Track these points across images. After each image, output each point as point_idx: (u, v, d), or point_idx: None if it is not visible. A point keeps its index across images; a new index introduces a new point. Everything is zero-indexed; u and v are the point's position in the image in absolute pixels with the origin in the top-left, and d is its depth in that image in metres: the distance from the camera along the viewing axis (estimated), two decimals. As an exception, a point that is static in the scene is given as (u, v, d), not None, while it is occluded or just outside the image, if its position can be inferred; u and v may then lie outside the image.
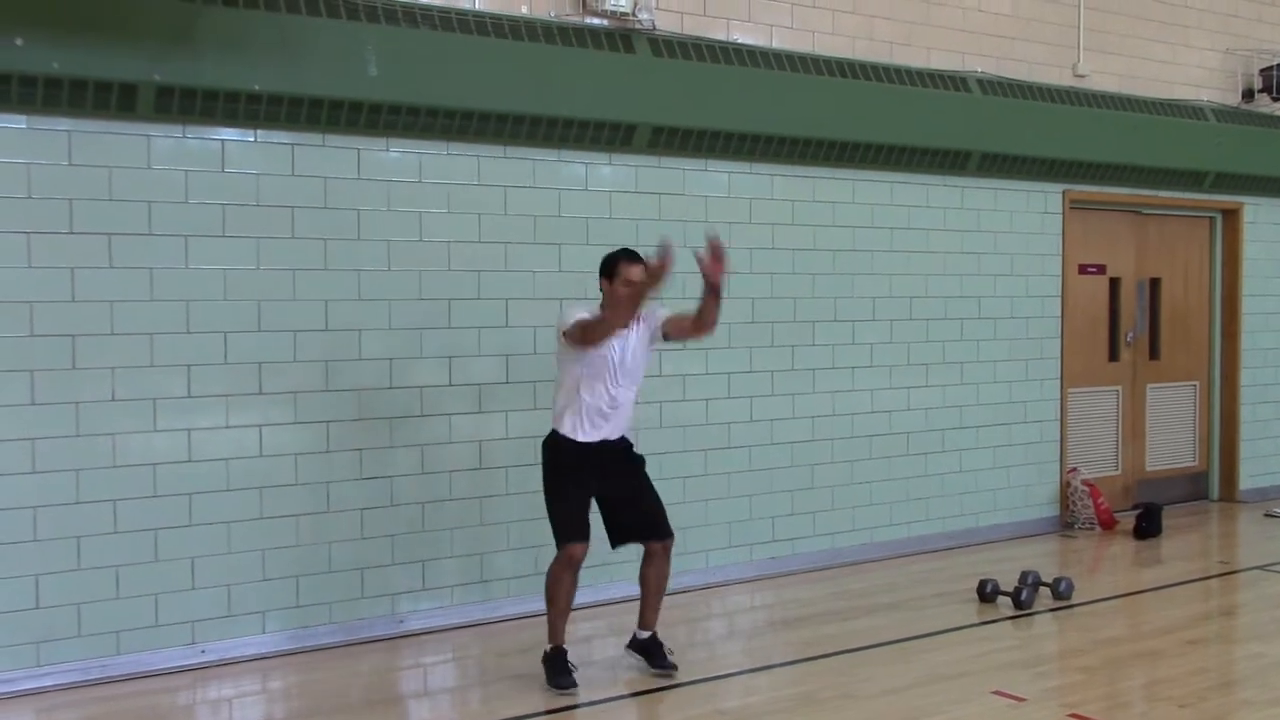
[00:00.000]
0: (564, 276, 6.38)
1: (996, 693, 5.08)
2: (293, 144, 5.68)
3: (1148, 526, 8.34)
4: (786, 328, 7.25)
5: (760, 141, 6.94)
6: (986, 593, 6.56)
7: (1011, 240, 8.25)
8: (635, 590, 5.46)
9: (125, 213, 5.31)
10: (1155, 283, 9.39)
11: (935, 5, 7.82)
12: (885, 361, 7.69)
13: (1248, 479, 9.72)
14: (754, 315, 7.11)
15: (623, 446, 5.32)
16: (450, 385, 6.13)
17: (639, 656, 5.44)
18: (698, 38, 6.76)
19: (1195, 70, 9.20)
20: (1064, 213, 8.51)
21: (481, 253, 6.20)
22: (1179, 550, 8.08)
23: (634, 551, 5.42)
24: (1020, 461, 8.37)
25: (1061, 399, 8.59)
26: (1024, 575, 6.61)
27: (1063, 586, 6.60)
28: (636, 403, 5.36)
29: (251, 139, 5.59)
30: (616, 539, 5.37)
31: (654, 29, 6.60)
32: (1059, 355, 8.56)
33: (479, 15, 6.06)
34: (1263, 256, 9.73)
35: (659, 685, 5.24)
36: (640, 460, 5.40)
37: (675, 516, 6.74)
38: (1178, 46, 9.08)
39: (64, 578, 5.23)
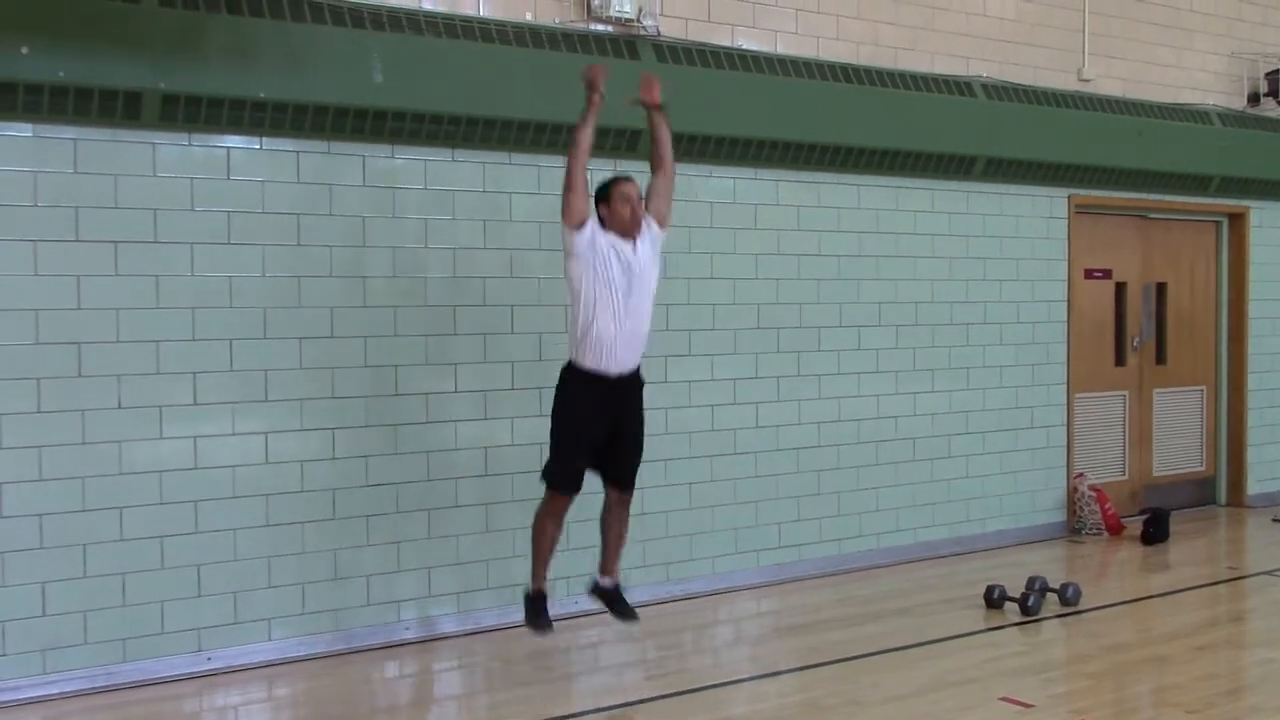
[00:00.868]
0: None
1: (1004, 699, 5.07)
2: (298, 151, 5.68)
3: (1155, 532, 8.31)
4: (792, 333, 7.24)
5: (765, 147, 6.93)
6: (994, 598, 6.54)
7: (1017, 245, 8.24)
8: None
9: (131, 220, 5.32)
10: (1161, 287, 9.36)
11: (939, 10, 7.81)
12: (891, 367, 7.67)
13: (1255, 484, 9.68)
14: (759, 321, 7.10)
15: (638, 383, 5.33)
16: (456, 392, 6.12)
17: (600, 602, 5.53)
18: (702, 44, 6.76)
19: (1200, 74, 9.18)
20: (1069, 217, 8.49)
21: (487, 259, 6.20)
22: (1187, 555, 8.06)
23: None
24: (1027, 467, 8.35)
25: (1068, 404, 8.56)
26: (1031, 581, 6.59)
27: (1070, 592, 6.59)
28: (650, 331, 5.35)
29: (257, 146, 5.59)
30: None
31: (658, 35, 6.60)
32: (1065, 360, 8.54)
33: (483, 22, 6.07)
34: (1269, 260, 9.69)
35: (664, 693, 5.23)
36: (642, 385, 5.37)
37: (681, 523, 6.82)
38: (1182, 50, 9.06)
39: (70, 585, 5.23)
